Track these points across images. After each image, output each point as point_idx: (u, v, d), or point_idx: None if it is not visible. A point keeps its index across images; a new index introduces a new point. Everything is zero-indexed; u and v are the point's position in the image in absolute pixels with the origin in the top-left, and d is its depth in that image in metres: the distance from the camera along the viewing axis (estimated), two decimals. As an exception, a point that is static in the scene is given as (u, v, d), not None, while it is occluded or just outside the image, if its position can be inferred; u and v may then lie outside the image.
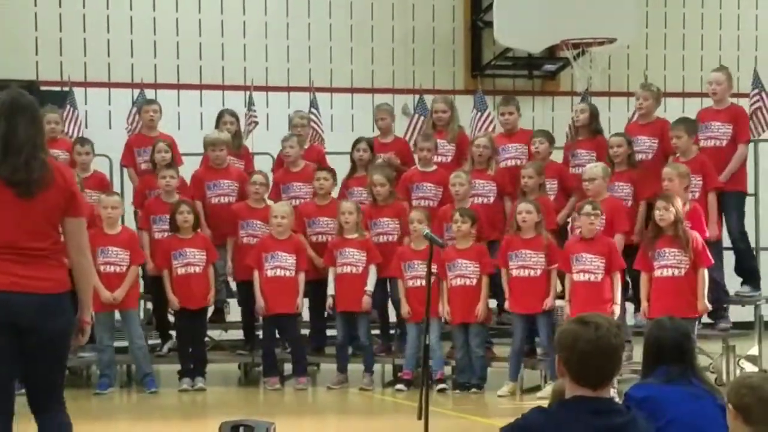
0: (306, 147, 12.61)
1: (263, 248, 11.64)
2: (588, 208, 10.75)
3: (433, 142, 12.10)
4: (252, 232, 11.98)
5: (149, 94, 13.64)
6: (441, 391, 11.19)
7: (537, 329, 11.23)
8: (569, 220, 11.59)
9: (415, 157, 12.37)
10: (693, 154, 11.34)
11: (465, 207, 11.42)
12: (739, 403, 4.53)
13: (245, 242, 11.95)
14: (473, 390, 11.20)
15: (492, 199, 11.90)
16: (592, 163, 11.55)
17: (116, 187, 12.72)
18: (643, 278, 10.69)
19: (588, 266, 10.72)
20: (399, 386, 11.42)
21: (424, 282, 11.08)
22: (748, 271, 11.80)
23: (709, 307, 10.65)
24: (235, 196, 12.26)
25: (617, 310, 10.62)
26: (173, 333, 12.28)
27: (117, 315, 11.52)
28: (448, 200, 11.77)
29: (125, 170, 12.89)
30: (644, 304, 10.65)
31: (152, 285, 12.03)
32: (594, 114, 12.18)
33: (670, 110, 12.37)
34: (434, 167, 12.11)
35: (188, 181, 12.38)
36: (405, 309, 11.45)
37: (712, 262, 10.64)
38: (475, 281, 11.22)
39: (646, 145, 11.76)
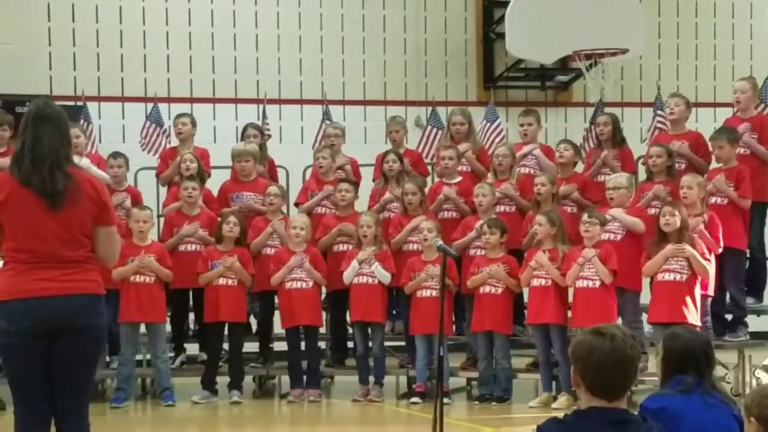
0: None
1: (279, 260, 11.62)
2: (584, 216, 10.81)
3: (455, 150, 12.10)
4: (270, 243, 11.93)
5: (162, 108, 13.67)
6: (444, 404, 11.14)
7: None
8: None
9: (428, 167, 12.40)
10: (734, 164, 11.26)
11: (493, 218, 11.40)
12: (763, 414, 4.51)
13: (262, 253, 11.89)
14: (497, 402, 11.19)
15: (515, 208, 11.91)
16: (618, 173, 11.51)
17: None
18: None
19: (585, 273, 10.71)
20: (414, 399, 11.39)
21: (432, 293, 11.18)
22: (756, 281, 11.75)
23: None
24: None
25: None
26: (187, 347, 12.29)
27: (142, 328, 11.53)
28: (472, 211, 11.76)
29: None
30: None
31: (173, 297, 11.97)
32: (617, 125, 12.18)
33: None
34: (459, 178, 12.12)
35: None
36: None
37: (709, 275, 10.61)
38: (500, 290, 11.21)
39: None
